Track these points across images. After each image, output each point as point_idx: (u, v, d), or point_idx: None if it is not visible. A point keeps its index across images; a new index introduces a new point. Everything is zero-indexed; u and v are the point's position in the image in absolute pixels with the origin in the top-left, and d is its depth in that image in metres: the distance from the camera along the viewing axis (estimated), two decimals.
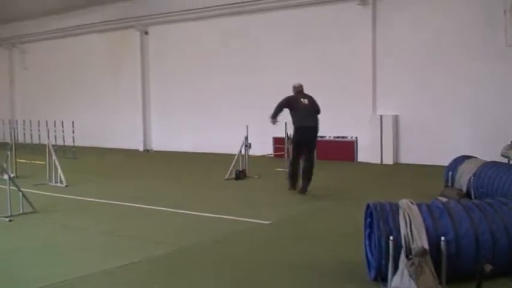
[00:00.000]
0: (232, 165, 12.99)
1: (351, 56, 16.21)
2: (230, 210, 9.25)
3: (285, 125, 14.51)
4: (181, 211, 9.30)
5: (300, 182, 10.72)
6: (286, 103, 10.64)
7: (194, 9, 19.16)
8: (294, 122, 10.59)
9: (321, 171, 14.16)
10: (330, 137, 16.63)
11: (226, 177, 12.85)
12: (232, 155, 13.50)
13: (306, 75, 17.18)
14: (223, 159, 15.77)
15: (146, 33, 21.20)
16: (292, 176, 10.82)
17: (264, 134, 16.92)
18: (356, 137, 16.31)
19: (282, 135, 14.82)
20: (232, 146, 16.22)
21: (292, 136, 10.91)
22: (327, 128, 16.65)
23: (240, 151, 13.23)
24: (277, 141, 16.92)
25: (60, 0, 20.37)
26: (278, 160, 15.27)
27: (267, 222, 8.33)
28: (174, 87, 20.54)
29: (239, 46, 18.70)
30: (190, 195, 11.22)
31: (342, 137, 16.51)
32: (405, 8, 15.40)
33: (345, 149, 16.37)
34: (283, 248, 6.91)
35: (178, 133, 20.28)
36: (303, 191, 10.55)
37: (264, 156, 16.14)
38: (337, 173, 14.05)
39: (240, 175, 12.95)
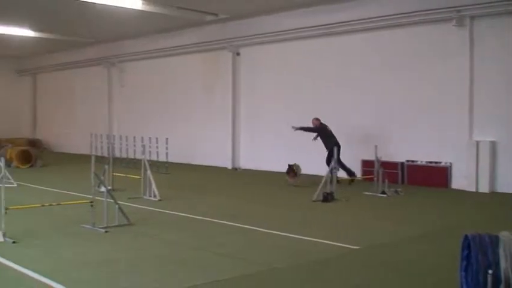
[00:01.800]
0: (320, 187, 12.92)
1: (447, 79, 15.75)
2: (319, 232, 9.19)
3: (375, 148, 14.34)
4: (271, 231, 9.33)
5: None
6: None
7: (285, 31, 19.32)
8: None
9: (412, 197, 13.86)
10: (422, 161, 16.19)
11: (314, 199, 12.79)
12: (320, 177, 13.43)
13: (398, 97, 16.96)
14: (311, 180, 15.73)
15: (238, 54, 21.60)
16: None
17: (352, 156, 16.76)
18: (450, 163, 15.75)
19: (371, 158, 14.62)
20: (319, 167, 16.20)
21: None
22: (420, 152, 16.33)
23: (328, 173, 13.13)
24: (366, 164, 16.68)
25: (158, 22, 21.11)
26: (367, 183, 15.02)
27: (356, 247, 8.20)
28: (263, 107, 20.74)
29: (329, 67, 18.65)
30: (279, 215, 11.24)
31: (436, 162, 15.99)
32: (503, 30, 14.80)
33: (439, 175, 15.81)
34: (373, 275, 6.78)
35: (266, 152, 20.42)
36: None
37: (352, 179, 15.95)
38: (429, 200, 13.63)
39: (328, 197, 12.84)
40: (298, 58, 19.63)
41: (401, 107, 16.83)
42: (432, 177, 15.83)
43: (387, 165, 15.31)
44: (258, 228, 9.55)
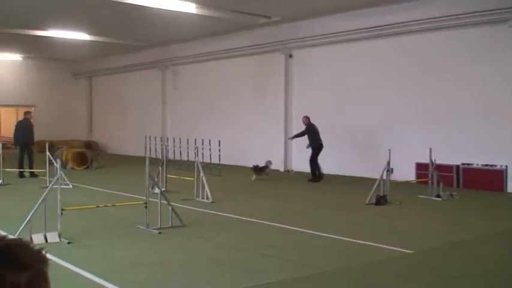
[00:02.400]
0: (373, 189, 12.77)
1: (501, 79, 15.33)
2: (371, 236, 9.10)
3: (430, 151, 14.07)
4: (322, 234, 9.31)
5: None
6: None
7: (336, 33, 19.17)
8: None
9: (467, 200, 13.54)
10: (477, 164, 15.80)
11: (367, 202, 12.65)
12: (373, 179, 13.28)
13: (452, 99, 16.59)
14: (363, 183, 15.58)
15: (290, 56, 21.60)
16: None
17: (406, 159, 16.50)
18: (506, 166, 15.30)
19: (426, 160, 14.36)
20: (372, 169, 16.01)
21: None
22: (474, 155, 15.92)
23: (382, 175, 12.97)
24: (421, 167, 16.39)
25: (211, 25, 21.33)
26: (421, 186, 14.76)
27: (410, 251, 8.08)
28: (315, 109, 20.62)
29: (380, 69, 18.43)
30: (330, 218, 11.18)
31: (491, 165, 15.57)
32: None
33: (494, 178, 15.39)
34: (426, 280, 6.66)
35: (321, 154, 20.28)
36: None
37: (406, 182, 15.71)
38: (484, 204, 13.29)
39: (381, 200, 12.69)
40: (350, 60, 19.48)
41: (456, 108, 16.47)
42: (487, 180, 15.42)
43: (442, 168, 15.00)
44: (308, 231, 9.54)
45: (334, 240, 8.91)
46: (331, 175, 18.65)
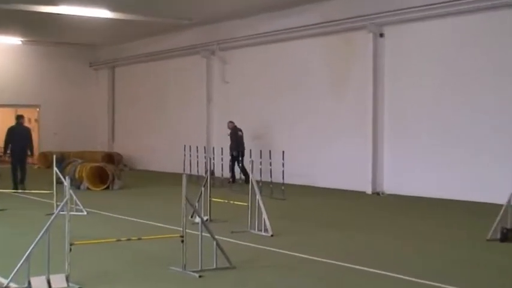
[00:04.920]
0: (498, 220, 12.42)
1: None
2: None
3: None
4: (425, 282, 9.06)
5: None
6: None
7: (444, 2, 18.85)
8: None
9: None
10: None
11: (489, 237, 12.33)
12: (497, 206, 12.93)
13: None
14: (480, 209, 15.22)
15: (381, 35, 21.36)
16: None
17: None
18: None
19: None
20: (495, 192, 15.62)
21: None
22: None
23: (510, 201, 12.59)
24: None
25: None
26: None
27: None
28: (415, 108, 20.33)
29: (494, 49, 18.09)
30: (441, 259, 10.91)
31: None
32: None
33: None
34: None
35: (420, 171, 19.96)
36: None
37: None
38: None
39: (508, 235, 12.33)
40: (459, 38, 19.08)
41: None
42: None
43: None
44: (414, 279, 9.26)
45: None
46: (435, 199, 18.32)
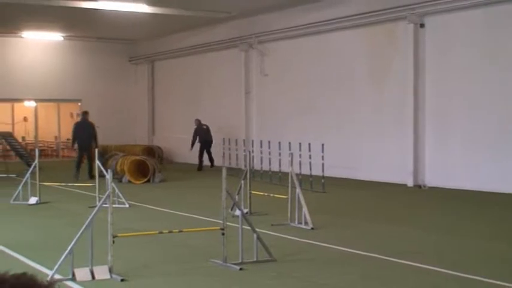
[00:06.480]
0: None
1: None
2: None
3: None
4: (485, 279, 8.97)
5: None
6: None
7: None
8: None
9: None
10: None
11: None
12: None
13: None
14: None
15: (422, 25, 21.16)
16: None
17: None
18: None
19: None
20: None
21: None
22: None
23: None
24: None
25: None
26: None
27: None
28: (458, 99, 20.12)
29: None
30: (492, 253, 10.79)
31: None
32: None
33: None
34: None
35: (462, 164, 19.77)
36: None
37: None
38: None
39: None
40: (506, 29, 18.84)
41: None
42: None
43: None
44: (462, 274, 9.18)
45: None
46: (483, 192, 18.12)
